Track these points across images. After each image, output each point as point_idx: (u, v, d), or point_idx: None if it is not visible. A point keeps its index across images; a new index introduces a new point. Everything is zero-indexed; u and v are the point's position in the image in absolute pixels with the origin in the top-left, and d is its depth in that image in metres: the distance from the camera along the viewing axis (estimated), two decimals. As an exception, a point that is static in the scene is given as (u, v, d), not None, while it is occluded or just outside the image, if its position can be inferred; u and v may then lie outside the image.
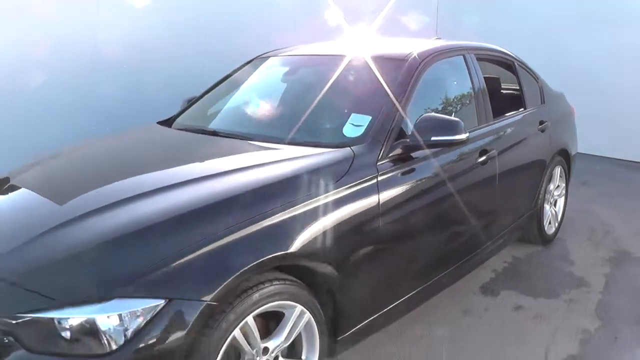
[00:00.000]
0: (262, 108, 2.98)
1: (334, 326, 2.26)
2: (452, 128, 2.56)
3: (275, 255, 1.94)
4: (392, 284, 2.53)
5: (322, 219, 2.13)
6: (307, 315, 2.09)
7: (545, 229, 4.01)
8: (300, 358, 2.16)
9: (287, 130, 2.67)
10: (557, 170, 4.08)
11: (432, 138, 2.55)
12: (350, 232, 2.23)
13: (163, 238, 1.83)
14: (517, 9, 7.25)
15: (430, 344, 2.81)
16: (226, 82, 3.45)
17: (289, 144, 2.57)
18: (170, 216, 1.90)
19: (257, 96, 3.10)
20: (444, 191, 2.76)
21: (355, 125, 2.62)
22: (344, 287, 2.22)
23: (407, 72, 2.83)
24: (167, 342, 1.69)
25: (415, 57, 2.93)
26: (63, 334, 1.66)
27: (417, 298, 2.73)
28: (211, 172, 2.24)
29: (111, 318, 1.65)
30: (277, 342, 2.03)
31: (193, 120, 3.16)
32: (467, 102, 3.22)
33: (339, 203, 2.22)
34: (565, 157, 4.16)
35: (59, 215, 2.03)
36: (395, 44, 3.41)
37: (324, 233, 2.12)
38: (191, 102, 3.48)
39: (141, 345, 1.66)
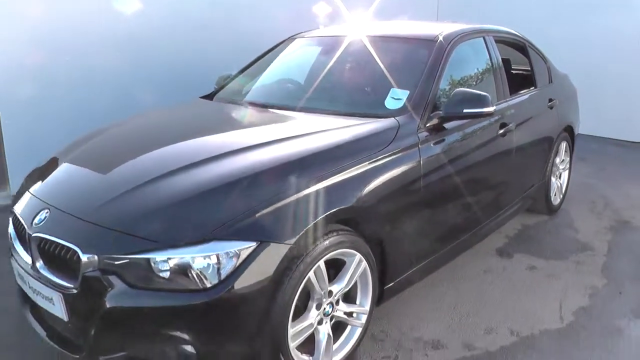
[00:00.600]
0: (307, 83, 3.24)
1: (382, 276, 2.55)
2: (481, 101, 2.84)
3: (342, 208, 2.22)
4: (430, 239, 2.83)
5: (377, 178, 2.42)
6: (364, 263, 2.38)
7: (552, 199, 4.33)
8: (355, 303, 2.45)
9: (334, 103, 2.94)
10: (563, 146, 4.40)
11: (464, 110, 2.82)
12: (399, 191, 2.52)
13: (252, 190, 2.09)
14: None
15: (458, 299, 3.12)
16: (264, 60, 3.70)
17: (338, 114, 2.84)
18: (255, 171, 2.17)
19: (301, 72, 3.35)
20: (471, 158, 3.06)
21: (395, 99, 2.90)
22: (392, 240, 2.51)
23: (437, 52, 3.10)
24: (256, 280, 1.96)
25: (443, 38, 3.20)
26: (164, 272, 1.91)
27: (448, 254, 3.03)
28: (281, 136, 2.51)
29: (209, 258, 1.91)
30: (339, 287, 2.32)
31: (239, 95, 3.41)
32: (487, 79, 3.50)
33: (389, 165, 2.50)
34: (570, 133, 4.48)
35: (151, 171, 2.28)
36: (419, 27, 3.67)
37: (379, 190, 2.41)
38: (229, 78, 3.73)
39: (234, 283, 1.92)
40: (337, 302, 2.36)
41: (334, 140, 2.46)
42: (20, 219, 2.32)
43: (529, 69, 4.13)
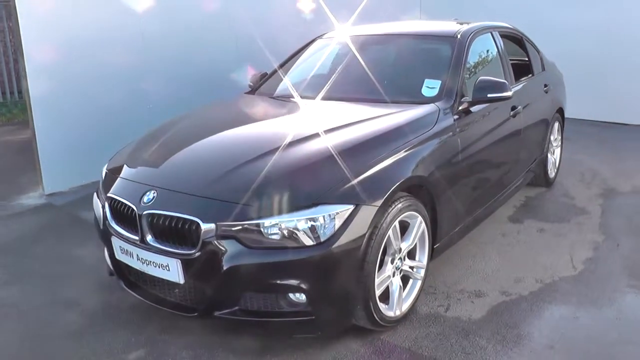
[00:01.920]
0: (349, 77, 3.70)
1: (433, 236, 3.03)
2: (502, 87, 3.34)
3: (410, 177, 2.70)
4: (466, 204, 3.33)
5: (430, 152, 2.91)
6: (423, 224, 2.86)
7: (549, 172, 4.91)
8: (415, 259, 2.93)
9: (378, 93, 3.41)
10: (556, 125, 4.98)
11: (488, 95, 3.33)
12: (446, 163, 3.02)
13: (342, 163, 2.55)
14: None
15: (486, 257, 3.63)
16: (301, 58, 4.15)
17: (384, 102, 3.32)
18: (342, 148, 2.65)
19: (341, 68, 3.80)
20: (492, 136, 3.57)
21: (430, 88, 3.39)
22: (441, 204, 2.99)
23: (459, 46, 3.61)
24: (354, 237, 2.41)
25: (461, 35, 3.71)
26: (276, 234, 2.35)
27: (478, 218, 3.54)
28: (351, 121, 3.00)
29: (316, 220, 2.35)
30: (406, 244, 2.79)
31: (288, 90, 3.84)
32: (497, 68, 4.02)
33: (437, 142, 3.00)
34: (561, 114, 5.07)
35: (247, 152, 2.72)
36: (433, 25, 4.18)
37: (432, 162, 2.90)
38: (267, 76, 4.16)
39: (337, 239, 2.37)
40: (404, 258, 2.83)
41: (396, 122, 2.96)
42: (125, 201, 2.68)
43: (526, 59, 4.68)
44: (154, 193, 2.60)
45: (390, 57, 3.80)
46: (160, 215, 2.52)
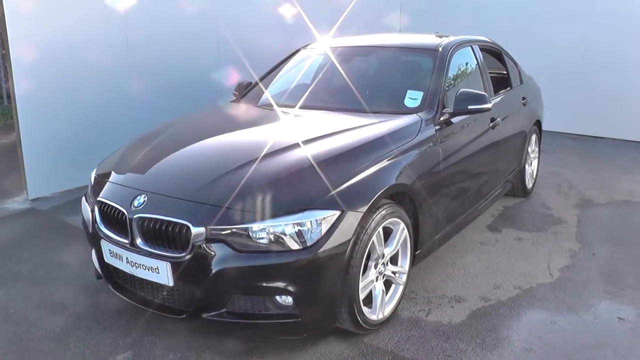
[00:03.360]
0: (333, 87, 3.80)
1: (415, 243, 3.12)
2: (482, 99, 3.46)
3: (393, 184, 2.79)
4: (447, 212, 3.43)
5: (413, 161, 3.01)
6: (405, 231, 2.95)
7: (526, 183, 5.05)
8: (397, 264, 3.01)
9: (362, 103, 3.51)
10: (534, 137, 5.13)
11: (469, 107, 3.44)
12: (427, 172, 3.12)
13: (328, 170, 2.63)
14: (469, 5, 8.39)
15: (465, 265, 3.73)
16: (286, 68, 4.24)
17: (367, 112, 3.42)
18: (328, 156, 2.73)
19: (325, 78, 3.90)
20: (472, 147, 3.69)
21: (412, 99, 3.50)
22: (423, 212, 3.08)
23: (441, 59, 3.73)
24: (339, 242, 2.49)
25: (442, 48, 3.83)
26: (265, 238, 2.41)
27: (457, 226, 3.65)
28: (336, 129, 3.08)
29: (303, 225, 2.43)
30: (389, 250, 2.88)
31: (273, 98, 3.92)
32: (477, 81, 4.15)
33: (419, 151, 3.09)
34: (538, 126, 5.22)
35: (235, 158, 2.79)
36: (414, 38, 4.30)
37: (415, 171, 3.00)
38: (251, 85, 4.24)
39: (324, 244, 2.44)
40: (387, 264, 2.91)
41: (380, 131, 3.05)
42: (115, 205, 2.73)
43: (505, 72, 4.83)
44: (145, 197, 2.65)
45: (373, 68, 3.92)
46: (150, 218, 2.57)
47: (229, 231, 2.44)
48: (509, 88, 4.74)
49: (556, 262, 3.79)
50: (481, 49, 4.43)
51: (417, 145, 3.10)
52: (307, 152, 2.79)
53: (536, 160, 5.33)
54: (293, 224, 2.42)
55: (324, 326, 2.66)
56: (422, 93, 3.51)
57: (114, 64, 5.45)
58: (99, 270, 3.01)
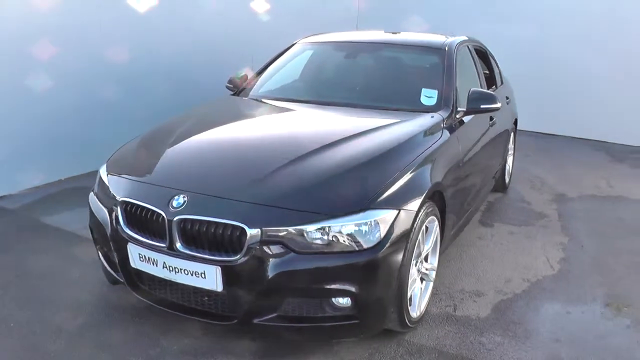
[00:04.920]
0: (348, 83, 3.76)
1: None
2: (493, 99, 3.55)
3: (435, 182, 2.80)
4: (462, 206, 3.49)
5: (442, 159, 3.04)
6: (438, 228, 2.97)
7: (506, 178, 5.25)
8: (428, 261, 3.04)
9: (380, 100, 3.51)
10: (512, 135, 5.34)
11: (482, 106, 3.52)
12: (453, 169, 3.15)
13: (377, 168, 2.62)
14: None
15: (472, 260, 3.83)
16: (288, 63, 4.14)
17: (385, 109, 3.41)
18: (372, 155, 2.71)
19: (337, 74, 3.85)
20: (480, 143, 3.79)
21: (428, 97, 3.53)
22: (449, 208, 3.12)
23: (449, 57, 3.79)
24: (397, 242, 2.46)
25: (448, 46, 3.89)
26: (325, 239, 2.35)
27: (465, 222, 3.73)
28: (366, 127, 3.06)
29: (365, 225, 2.38)
30: (427, 246, 2.89)
31: (287, 93, 3.81)
32: (475, 79, 4.26)
33: (446, 148, 3.13)
34: (515, 124, 5.44)
35: (282, 153, 2.71)
36: (416, 36, 4.34)
37: (444, 169, 3.02)
38: (250, 79, 4.11)
39: (384, 244, 2.40)
40: (423, 261, 2.93)
41: (413, 129, 3.09)
42: (148, 206, 2.54)
43: (489, 71, 4.98)
44: (184, 197, 2.50)
45: (381, 65, 3.91)
46: (195, 220, 2.43)
47: (286, 232, 2.35)
48: (494, 87, 4.89)
49: (552, 255, 3.97)
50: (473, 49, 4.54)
51: (445, 144, 3.13)
52: (350, 151, 2.75)
53: (511, 156, 5.55)
54: (354, 224, 2.37)
55: (378, 327, 2.63)
56: (436, 91, 3.55)
57: (84, 53, 5.10)
58: (115, 274, 2.83)
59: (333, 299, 2.44)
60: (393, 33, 4.40)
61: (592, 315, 3.18)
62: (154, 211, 2.53)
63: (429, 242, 2.90)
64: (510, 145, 5.38)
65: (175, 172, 2.76)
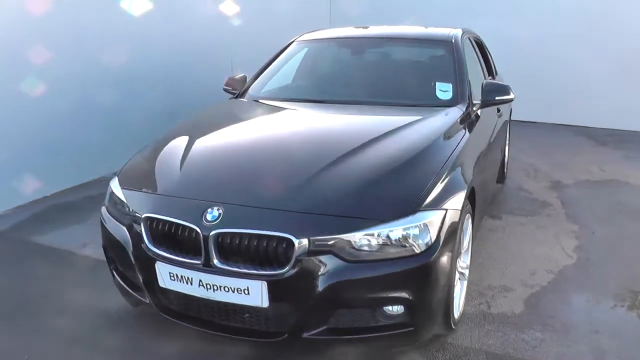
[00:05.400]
0: (361, 80, 3.64)
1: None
2: (507, 90, 3.50)
3: (471, 179, 2.72)
4: (485, 200, 3.43)
5: (473, 153, 2.96)
6: (471, 226, 2.90)
7: (505, 169, 5.25)
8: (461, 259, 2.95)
9: (398, 97, 3.41)
10: (509, 125, 5.34)
11: (497, 97, 3.47)
12: (478, 162, 3.08)
13: (417, 168, 2.52)
14: None
15: (490, 253, 3.78)
16: (292, 61, 4.00)
17: (404, 105, 3.32)
18: (410, 154, 2.61)
19: (346, 71, 3.73)
20: (493, 136, 3.75)
21: (443, 91, 3.45)
22: (477, 204, 3.05)
23: (457, 50, 3.72)
24: (446, 243, 2.35)
25: (455, 38, 3.82)
26: (377, 245, 2.23)
27: (483, 215, 3.66)
28: (395, 125, 2.94)
29: (416, 228, 2.27)
30: (464, 245, 2.81)
31: (292, 94, 3.69)
32: (479, 71, 4.21)
33: (471, 143, 3.06)
34: (510, 114, 5.44)
35: (317, 158, 2.58)
36: (420, 29, 4.26)
37: (472, 163, 2.95)
38: (250, 80, 3.95)
39: (436, 246, 2.29)
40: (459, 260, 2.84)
41: (440, 125, 3.01)
42: (180, 221, 2.35)
43: (486, 62, 4.95)
44: (219, 210, 2.33)
45: (392, 60, 3.83)
46: (233, 234, 2.27)
47: (334, 241, 2.22)
48: (491, 77, 4.86)
49: (567, 244, 3.96)
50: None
51: (470, 139, 3.05)
52: (383, 152, 2.63)
53: (507, 146, 5.55)
54: (403, 228, 2.26)
55: (430, 332, 2.52)
56: (451, 85, 3.47)
57: (65, 61, 4.82)
58: (138, 295, 2.64)
59: (385, 308, 2.33)
60: (394, 27, 4.32)
61: (622, 302, 3.16)
62: (185, 226, 2.35)
63: (465, 240, 2.82)
64: (507, 135, 5.38)
65: (204, 183, 2.58)
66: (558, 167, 5.87)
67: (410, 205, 2.32)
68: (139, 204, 2.57)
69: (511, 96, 3.50)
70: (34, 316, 2.98)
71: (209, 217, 2.31)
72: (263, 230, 2.24)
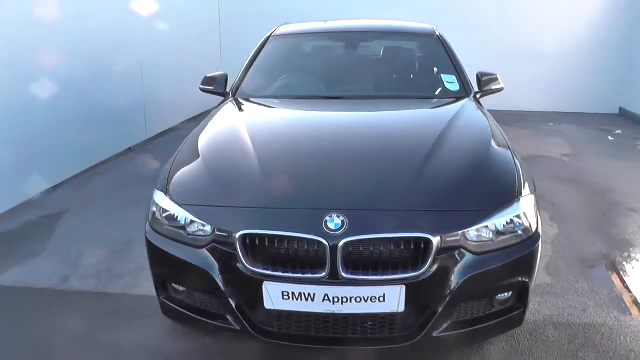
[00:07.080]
0: (369, 75, 3.63)
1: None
2: (498, 80, 3.74)
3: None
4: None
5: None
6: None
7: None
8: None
9: (414, 90, 3.49)
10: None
11: (492, 87, 3.70)
12: None
13: (492, 157, 2.64)
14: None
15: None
16: (277, 57, 3.87)
17: (423, 98, 3.42)
18: (483, 143, 2.74)
19: (347, 66, 3.69)
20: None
21: (450, 82, 3.59)
22: None
23: (445, 42, 3.89)
24: (538, 221, 2.45)
25: (437, 31, 3.98)
26: (499, 233, 2.27)
27: None
28: (445, 119, 3.00)
29: (525, 213, 2.35)
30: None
31: (299, 91, 3.59)
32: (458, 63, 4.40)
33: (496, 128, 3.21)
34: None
35: (404, 153, 2.63)
36: (402, 23, 4.34)
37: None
38: (238, 79, 3.73)
39: (537, 226, 2.40)
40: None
41: (476, 116, 3.17)
42: (296, 235, 2.17)
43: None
44: (339, 217, 2.18)
45: (388, 53, 3.89)
46: (364, 241, 2.15)
47: (462, 235, 2.22)
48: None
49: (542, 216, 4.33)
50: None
51: (495, 126, 3.20)
52: (457, 145, 2.71)
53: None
54: (514, 216, 2.33)
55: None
56: (454, 76, 3.62)
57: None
58: (217, 322, 2.37)
59: (503, 293, 2.38)
60: (372, 20, 4.35)
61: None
62: (303, 239, 2.17)
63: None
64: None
65: (306, 191, 2.43)
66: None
67: (514, 193, 2.40)
68: (221, 220, 2.30)
69: (502, 85, 3.74)
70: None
71: (331, 226, 2.16)
72: (396, 233, 2.17)
